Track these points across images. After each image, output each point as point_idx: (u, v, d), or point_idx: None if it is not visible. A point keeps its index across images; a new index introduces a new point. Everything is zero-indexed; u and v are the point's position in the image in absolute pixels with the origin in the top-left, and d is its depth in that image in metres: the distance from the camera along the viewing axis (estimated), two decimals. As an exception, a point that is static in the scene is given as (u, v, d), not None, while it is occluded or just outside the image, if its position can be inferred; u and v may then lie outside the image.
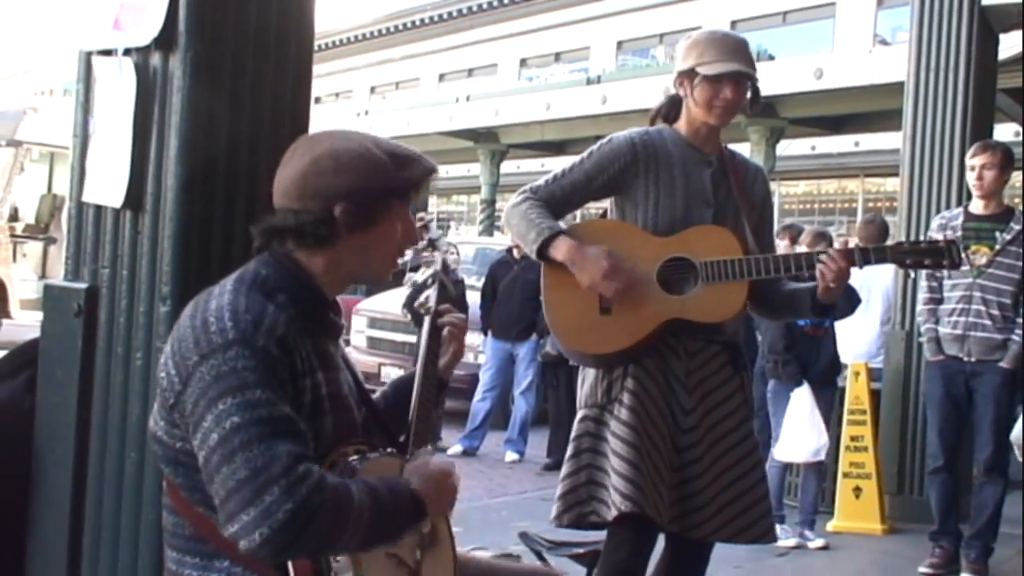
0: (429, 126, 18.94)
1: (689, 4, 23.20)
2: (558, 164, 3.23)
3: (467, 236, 18.25)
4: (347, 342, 9.41)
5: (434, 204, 27.02)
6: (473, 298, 8.33)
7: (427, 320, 2.22)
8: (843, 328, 5.77)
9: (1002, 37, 6.47)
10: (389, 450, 1.94)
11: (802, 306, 2.97)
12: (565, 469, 2.95)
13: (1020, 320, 4.81)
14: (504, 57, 28.34)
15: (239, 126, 2.18)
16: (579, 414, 2.97)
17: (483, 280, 8.55)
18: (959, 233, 4.79)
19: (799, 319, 4.97)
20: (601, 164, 2.95)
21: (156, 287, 2.14)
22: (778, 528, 5.16)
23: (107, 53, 2.23)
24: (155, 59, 2.17)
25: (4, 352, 2.45)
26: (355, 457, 1.82)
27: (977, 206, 4.94)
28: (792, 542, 5.39)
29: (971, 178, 4.92)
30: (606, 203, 3.07)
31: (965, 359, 4.91)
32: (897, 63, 7.90)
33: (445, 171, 20.31)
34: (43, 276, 11.26)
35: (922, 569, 5.01)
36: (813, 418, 5.44)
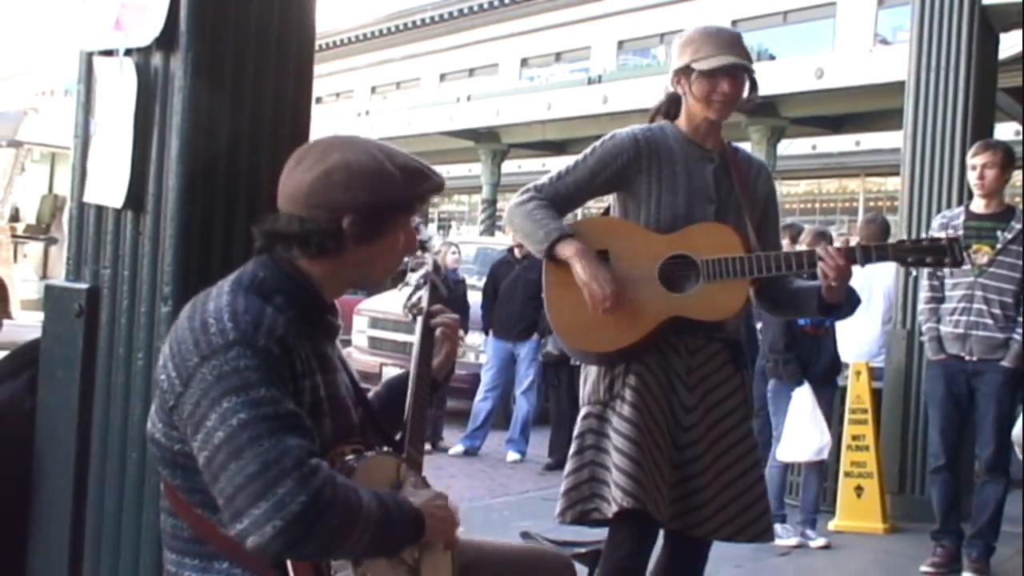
0: (430, 126, 18.89)
1: (690, 4, 23.15)
2: (559, 164, 3.22)
3: (468, 236, 18.23)
4: (348, 342, 9.40)
5: (435, 204, 27.01)
6: (474, 298, 8.34)
7: (419, 321, 2.23)
8: (844, 327, 5.76)
9: (1002, 36, 6.47)
10: (385, 449, 1.95)
11: (808, 305, 2.97)
12: (569, 466, 2.95)
13: (1021, 319, 4.81)
14: (505, 57, 28.32)
15: (240, 126, 2.18)
16: (582, 411, 2.97)
17: (484, 280, 8.51)
18: (960, 232, 4.78)
19: (806, 317, 4.97)
20: (604, 160, 2.94)
21: (157, 287, 2.14)
22: (779, 527, 5.17)
23: (108, 53, 2.23)
24: (156, 59, 2.17)
25: (5, 353, 2.45)
26: (352, 456, 1.82)
27: (978, 205, 4.94)
28: (793, 541, 5.38)
29: (972, 177, 4.92)
30: (608, 200, 3.07)
31: (966, 358, 4.91)
32: (898, 62, 7.89)
33: (446, 171, 20.21)
34: (44, 276, 11.25)
35: (924, 568, 5.01)
36: (815, 417, 5.43)
